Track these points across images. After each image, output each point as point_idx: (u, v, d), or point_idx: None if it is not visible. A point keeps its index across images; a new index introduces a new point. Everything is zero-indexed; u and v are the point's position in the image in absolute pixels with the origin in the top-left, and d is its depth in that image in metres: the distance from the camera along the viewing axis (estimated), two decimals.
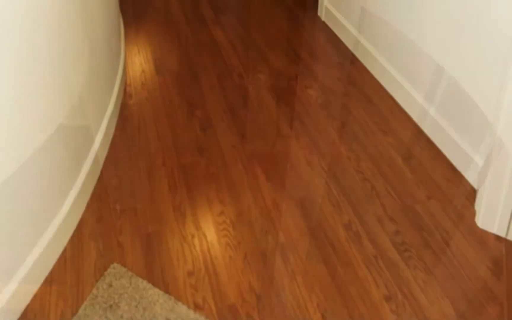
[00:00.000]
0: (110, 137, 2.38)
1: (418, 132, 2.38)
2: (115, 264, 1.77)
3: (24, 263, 1.62)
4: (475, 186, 2.05)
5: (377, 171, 2.17)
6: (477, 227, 1.90)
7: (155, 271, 1.75)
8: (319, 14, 3.42)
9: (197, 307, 1.62)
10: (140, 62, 2.96)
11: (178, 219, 1.96)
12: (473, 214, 1.95)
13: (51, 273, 1.74)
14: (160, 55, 3.02)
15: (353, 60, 2.93)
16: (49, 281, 1.72)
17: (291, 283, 1.71)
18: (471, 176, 2.09)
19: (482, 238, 1.86)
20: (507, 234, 1.84)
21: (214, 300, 1.65)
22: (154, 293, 1.66)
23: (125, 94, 2.68)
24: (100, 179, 2.16)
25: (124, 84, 2.74)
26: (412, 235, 1.87)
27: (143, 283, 1.69)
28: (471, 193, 2.04)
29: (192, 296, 1.66)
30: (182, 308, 1.61)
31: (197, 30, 3.27)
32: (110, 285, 1.68)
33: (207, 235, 1.89)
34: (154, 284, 1.69)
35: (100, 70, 2.30)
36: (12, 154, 1.51)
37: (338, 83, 2.75)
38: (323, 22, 3.34)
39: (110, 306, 1.62)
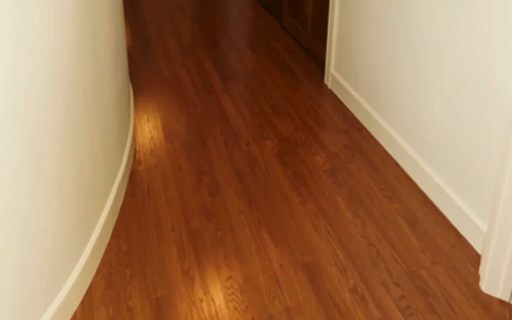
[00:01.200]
0: (120, 202, 2.52)
1: (423, 198, 2.52)
2: None
3: None
4: (479, 251, 2.17)
5: (383, 236, 2.29)
6: (482, 291, 2.01)
7: None
8: (325, 82, 3.63)
9: None
10: (149, 129, 3.13)
11: (187, 283, 2.08)
12: (477, 279, 2.06)
13: None
14: (169, 122, 3.20)
15: (359, 128, 3.10)
16: None
17: None
18: (475, 242, 2.21)
19: (486, 302, 1.96)
20: (510, 298, 1.94)
21: None
22: None
23: (135, 161, 2.84)
24: (110, 244, 2.29)
25: (134, 151, 2.91)
26: (417, 300, 1.98)
27: None
28: (476, 258, 2.16)
29: None
30: None
31: (205, 98, 3.46)
32: None
33: (215, 300, 2.00)
34: None
35: (110, 137, 2.46)
36: (21, 218, 1.60)
37: (344, 150, 2.90)
38: (330, 90, 3.54)
39: None
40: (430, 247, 2.24)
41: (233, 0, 5.40)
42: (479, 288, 2.02)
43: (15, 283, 1.60)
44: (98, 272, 2.15)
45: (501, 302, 1.96)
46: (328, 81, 3.59)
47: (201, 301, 2.00)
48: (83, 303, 2.00)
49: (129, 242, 2.30)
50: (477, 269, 2.10)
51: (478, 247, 2.19)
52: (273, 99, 3.45)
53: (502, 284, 1.94)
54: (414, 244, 2.26)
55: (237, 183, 2.65)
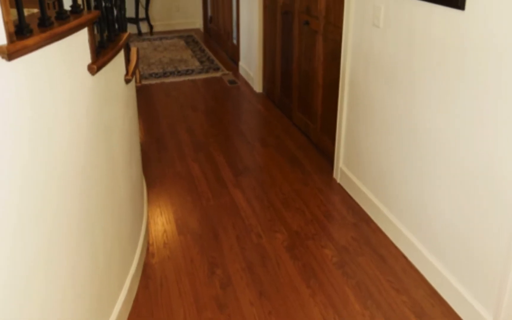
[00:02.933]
0: (134, 294, 2.68)
1: (430, 290, 2.67)
2: None
3: None
4: None
5: None
6: None
7: None
8: (334, 176, 3.86)
9: None
10: (162, 222, 3.33)
11: None
12: None
13: None
14: (181, 215, 3.40)
15: (368, 221, 3.29)
16: None
17: None
18: None
19: None
20: None
21: None
22: None
23: (148, 253, 3.02)
24: None
25: (147, 244, 3.10)
26: None
27: None
28: None
29: None
30: None
31: (217, 192, 3.68)
32: None
33: None
34: None
35: (124, 230, 2.64)
36: (36, 311, 1.68)
37: (353, 242, 3.07)
38: (339, 184, 3.76)
39: None
40: None
41: (244, 96, 5.74)
42: None
43: None
44: None
45: None
46: (337, 176, 3.81)
47: None
48: None
49: None
50: None
51: None
52: (283, 193, 3.66)
53: None
54: None
55: (248, 275, 2.81)
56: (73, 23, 1.93)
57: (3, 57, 1.47)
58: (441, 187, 2.59)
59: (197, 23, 9.15)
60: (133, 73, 2.94)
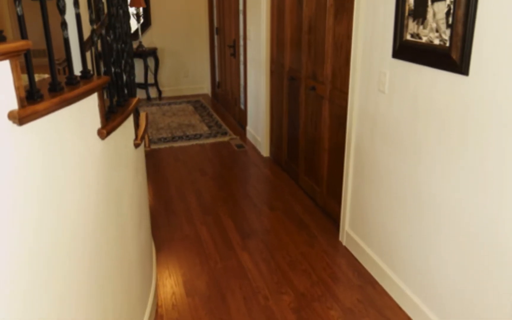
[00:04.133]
0: None
1: None
2: None
3: None
4: None
5: None
6: None
7: None
8: (340, 239, 3.99)
9: None
10: (171, 284, 3.46)
11: None
12: None
13: None
14: (189, 277, 3.53)
15: (373, 283, 3.40)
16: None
17: None
18: None
19: None
20: None
21: None
22: None
23: (157, 315, 3.13)
24: None
25: (156, 306, 3.22)
26: None
27: None
28: None
29: None
30: None
31: (225, 254, 3.81)
32: None
33: None
34: None
35: (133, 292, 2.73)
36: None
37: (358, 304, 3.18)
38: (344, 247, 3.89)
39: None
40: None
41: (252, 161, 5.92)
42: None
43: None
44: None
45: None
46: (343, 238, 3.94)
47: None
48: None
49: None
50: None
51: None
52: (290, 256, 3.79)
53: None
54: None
55: None
56: (83, 88, 2.00)
57: (14, 122, 1.52)
58: (446, 250, 2.71)
59: (205, 88, 9.44)
60: (142, 137, 3.05)
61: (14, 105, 1.53)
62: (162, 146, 6.46)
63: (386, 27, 3.05)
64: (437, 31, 2.56)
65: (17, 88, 1.55)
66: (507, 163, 2.24)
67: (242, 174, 5.57)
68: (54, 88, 1.87)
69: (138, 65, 8.57)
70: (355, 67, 3.52)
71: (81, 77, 2.15)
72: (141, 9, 8.29)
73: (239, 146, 6.44)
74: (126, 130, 2.72)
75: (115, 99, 2.59)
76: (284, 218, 4.43)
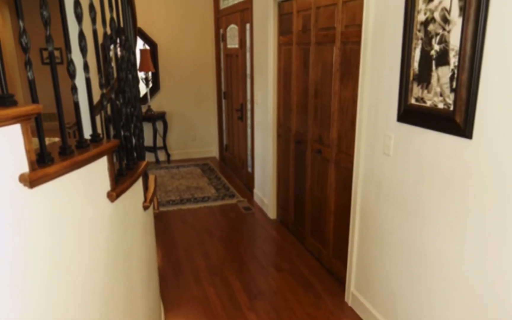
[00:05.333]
0: None
1: None
2: None
3: None
4: None
5: None
6: None
7: None
8: (346, 300, 3.95)
9: None
10: None
11: None
12: None
13: None
14: None
15: None
16: None
17: None
18: None
19: None
20: None
21: None
22: None
23: None
24: None
25: None
26: None
27: None
28: None
29: None
30: None
31: (232, 315, 3.78)
32: None
33: None
34: None
35: None
36: None
37: None
38: (350, 307, 3.85)
39: None
40: None
41: (259, 223, 5.91)
42: None
43: None
44: None
45: None
46: (349, 299, 3.90)
47: None
48: None
49: None
50: None
51: None
52: (296, 316, 3.74)
53: None
54: None
55: None
56: (93, 151, 2.01)
57: (25, 185, 1.54)
58: (450, 310, 2.69)
59: (213, 151, 9.50)
60: (151, 200, 3.07)
61: (25, 168, 1.55)
62: (171, 208, 6.47)
63: (391, 91, 3.10)
64: (441, 95, 2.60)
65: (28, 152, 1.56)
66: (509, 226, 2.26)
67: (250, 236, 5.55)
68: (65, 151, 1.89)
69: (147, 128, 8.67)
70: (361, 131, 3.57)
71: (91, 140, 2.18)
72: (150, 73, 8.45)
73: (247, 209, 6.45)
74: (135, 192, 2.74)
75: (124, 162, 2.60)
76: (291, 279, 4.39)
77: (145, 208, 2.92)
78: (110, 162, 2.25)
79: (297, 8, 4.78)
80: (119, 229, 2.36)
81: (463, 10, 2.39)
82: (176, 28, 8.63)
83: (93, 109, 2.25)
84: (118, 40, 2.79)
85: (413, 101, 2.86)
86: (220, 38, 8.35)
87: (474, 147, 2.44)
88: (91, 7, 2.18)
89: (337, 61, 3.99)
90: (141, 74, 8.27)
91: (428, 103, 2.72)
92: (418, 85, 2.80)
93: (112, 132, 2.58)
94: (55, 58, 1.87)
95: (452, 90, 2.52)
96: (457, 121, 2.50)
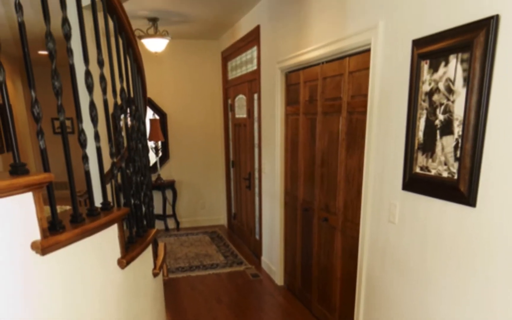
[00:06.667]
0: None
1: None
2: None
3: None
4: None
5: None
6: None
7: None
8: None
9: None
10: None
11: None
12: None
13: None
14: None
15: None
16: None
17: None
18: None
19: None
20: None
21: None
22: None
23: None
24: None
25: None
26: None
27: None
28: None
29: None
30: None
31: None
32: None
33: None
34: None
35: None
36: None
37: None
38: None
39: None
40: None
41: (266, 289, 5.84)
42: None
43: None
44: None
45: None
46: None
47: None
48: None
49: None
50: None
51: None
52: None
53: None
54: None
55: None
56: (104, 219, 2.04)
57: (37, 252, 1.54)
58: None
59: (222, 219, 9.48)
60: (161, 267, 3.06)
61: (37, 235, 1.55)
62: (180, 275, 6.42)
63: (396, 160, 3.12)
64: (445, 164, 2.61)
65: (39, 220, 1.57)
66: None
67: (257, 302, 5.48)
68: (76, 219, 1.89)
69: (157, 196, 8.69)
70: (366, 199, 3.57)
71: (101, 208, 2.18)
72: (159, 143, 8.53)
73: (254, 276, 6.38)
74: (145, 259, 2.73)
75: (134, 229, 2.60)
76: None
77: (155, 275, 2.90)
78: (121, 229, 2.25)
79: (304, 78, 4.87)
80: (129, 295, 2.35)
81: (467, 81, 2.42)
82: (185, 98, 8.77)
83: (104, 178, 2.27)
84: (128, 110, 2.82)
85: (418, 169, 2.87)
86: (228, 108, 8.46)
87: (477, 215, 2.43)
88: (102, 78, 2.22)
89: (343, 130, 4.03)
90: (151, 143, 8.36)
91: (433, 172, 2.73)
92: (423, 154, 2.81)
93: (122, 200, 2.58)
94: (66, 128, 1.90)
95: (456, 159, 2.53)
96: (461, 189, 2.50)
